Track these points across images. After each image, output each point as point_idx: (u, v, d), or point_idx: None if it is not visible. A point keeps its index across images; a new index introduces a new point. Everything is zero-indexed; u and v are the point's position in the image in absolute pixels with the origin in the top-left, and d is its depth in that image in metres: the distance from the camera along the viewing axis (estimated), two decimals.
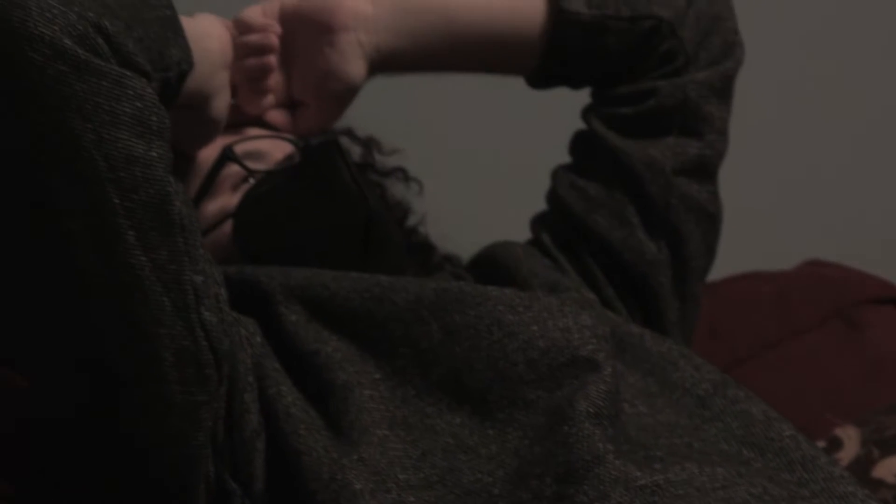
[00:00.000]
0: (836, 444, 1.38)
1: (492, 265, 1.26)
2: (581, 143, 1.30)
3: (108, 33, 0.94)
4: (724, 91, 1.27)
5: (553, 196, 1.30)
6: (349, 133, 1.44)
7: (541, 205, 1.32)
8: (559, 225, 1.29)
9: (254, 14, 1.23)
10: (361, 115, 1.35)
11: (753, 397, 1.08)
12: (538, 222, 1.31)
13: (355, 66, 1.22)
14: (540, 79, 1.29)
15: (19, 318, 1.03)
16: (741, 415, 1.06)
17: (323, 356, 1.06)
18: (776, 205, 1.86)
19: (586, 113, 1.29)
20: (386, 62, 1.24)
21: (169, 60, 1.01)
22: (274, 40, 1.22)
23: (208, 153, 1.23)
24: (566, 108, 1.33)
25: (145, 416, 1.00)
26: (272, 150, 1.24)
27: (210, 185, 1.22)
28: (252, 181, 1.22)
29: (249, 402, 1.04)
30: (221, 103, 1.17)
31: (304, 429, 1.02)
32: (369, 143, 1.46)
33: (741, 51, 1.28)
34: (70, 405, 1.04)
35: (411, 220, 1.50)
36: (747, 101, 1.36)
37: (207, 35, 1.14)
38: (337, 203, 1.18)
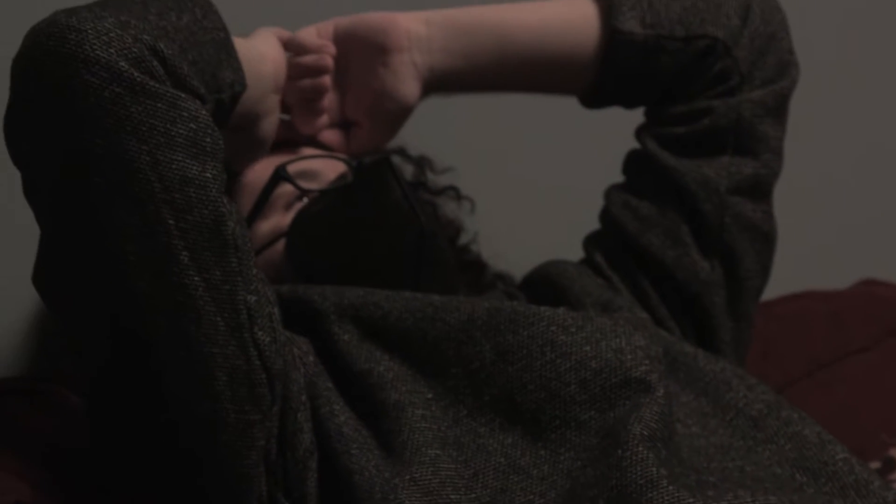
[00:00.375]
0: (890, 465, 1.36)
1: (545, 284, 1.26)
2: (634, 163, 1.29)
3: (163, 56, 0.95)
4: (778, 110, 1.26)
5: (606, 215, 1.30)
6: (402, 152, 1.44)
7: (593, 224, 1.32)
8: (612, 244, 1.28)
9: (308, 35, 1.23)
10: (414, 134, 1.35)
11: (807, 419, 1.08)
12: (591, 241, 1.31)
13: (409, 87, 1.23)
14: (593, 98, 1.28)
15: (80, 332, 1.04)
16: (795, 437, 1.06)
17: (375, 375, 1.06)
18: (830, 223, 1.85)
19: (640, 132, 1.29)
20: (439, 82, 1.24)
21: (222, 82, 1.02)
22: (329, 61, 1.22)
23: (261, 173, 1.23)
24: (619, 126, 1.33)
25: (198, 433, 1.00)
26: (325, 169, 1.25)
27: (263, 204, 1.22)
28: (305, 200, 1.23)
29: (302, 422, 1.04)
30: (270, 125, 1.18)
31: (357, 448, 1.03)
32: (422, 162, 1.46)
33: (796, 70, 1.27)
34: (125, 419, 1.05)
35: (463, 239, 1.50)
36: (800, 119, 1.35)
37: (262, 58, 1.15)
38: (389, 221, 1.18)
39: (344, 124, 1.28)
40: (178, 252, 0.95)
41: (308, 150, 1.26)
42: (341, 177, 1.24)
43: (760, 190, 1.27)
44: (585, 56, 1.24)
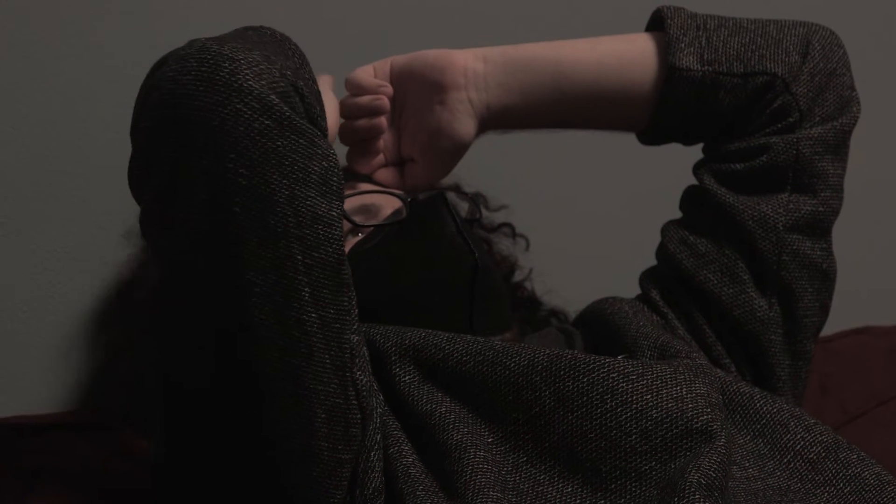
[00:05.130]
0: None
1: (600, 323, 1.25)
2: (692, 199, 1.28)
3: (302, 93, 0.96)
4: (838, 147, 1.24)
5: (663, 252, 1.28)
6: (456, 188, 1.44)
7: (649, 260, 1.31)
8: (669, 281, 1.27)
9: (365, 74, 1.23)
10: (469, 171, 1.35)
11: (866, 459, 1.07)
12: (647, 278, 1.30)
13: (465, 124, 1.22)
14: (651, 135, 1.27)
15: (184, 362, 1.03)
16: (853, 479, 1.05)
17: (436, 416, 1.06)
18: (889, 259, 1.83)
19: (697, 168, 1.28)
20: (496, 119, 1.23)
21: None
22: (385, 102, 1.22)
23: None
24: (675, 162, 1.32)
25: (290, 469, 1.01)
26: (380, 204, 1.24)
27: None
28: (360, 235, 1.22)
29: (375, 461, 1.04)
30: None
31: (422, 490, 1.02)
32: (476, 199, 1.45)
33: (857, 106, 1.25)
34: (207, 458, 1.05)
35: (518, 276, 1.49)
36: (860, 156, 1.33)
37: None
38: (444, 257, 1.18)
39: (399, 161, 1.28)
40: (302, 288, 0.96)
41: (364, 186, 1.26)
42: (396, 212, 1.24)
43: (819, 228, 1.25)
44: (642, 93, 1.23)
